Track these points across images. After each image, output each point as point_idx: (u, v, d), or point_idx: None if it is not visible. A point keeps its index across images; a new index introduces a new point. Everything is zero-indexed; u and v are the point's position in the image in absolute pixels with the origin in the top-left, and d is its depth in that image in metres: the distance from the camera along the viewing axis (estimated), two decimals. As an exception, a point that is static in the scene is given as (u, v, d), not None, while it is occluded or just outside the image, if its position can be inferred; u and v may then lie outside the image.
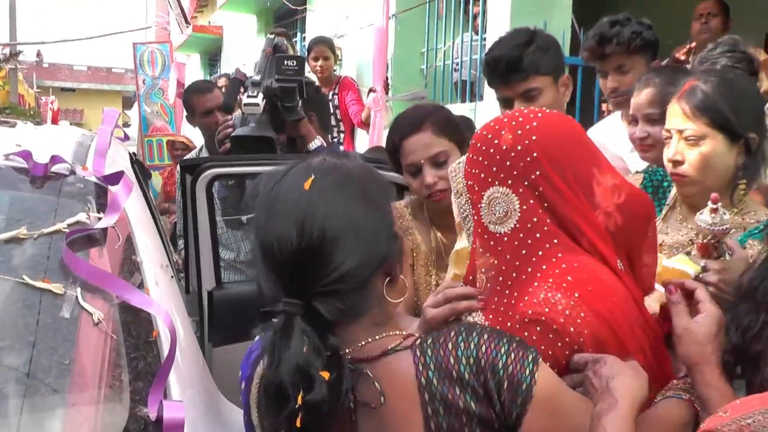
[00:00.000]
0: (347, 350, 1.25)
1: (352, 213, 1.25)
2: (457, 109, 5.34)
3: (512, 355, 1.22)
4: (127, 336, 1.44)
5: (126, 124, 32.83)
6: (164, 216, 6.33)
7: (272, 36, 3.39)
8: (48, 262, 1.51)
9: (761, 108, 1.95)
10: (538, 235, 1.44)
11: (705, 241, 1.65)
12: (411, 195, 2.38)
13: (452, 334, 1.25)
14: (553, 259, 1.42)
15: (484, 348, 1.22)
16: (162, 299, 1.59)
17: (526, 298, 1.41)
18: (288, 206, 1.25)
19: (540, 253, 1.43)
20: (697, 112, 1.85)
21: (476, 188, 1.51)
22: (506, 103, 2.55)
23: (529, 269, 1.44)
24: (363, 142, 5.90)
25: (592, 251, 1.45)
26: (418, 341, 1.26)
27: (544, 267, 1.43)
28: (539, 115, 1.51)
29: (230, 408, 1.71)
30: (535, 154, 1.45)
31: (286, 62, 3.19)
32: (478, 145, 1.53)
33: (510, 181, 1.46)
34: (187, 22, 13.70)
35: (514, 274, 1.45)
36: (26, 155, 1.77)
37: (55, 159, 1.78)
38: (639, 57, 2.76)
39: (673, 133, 1.91)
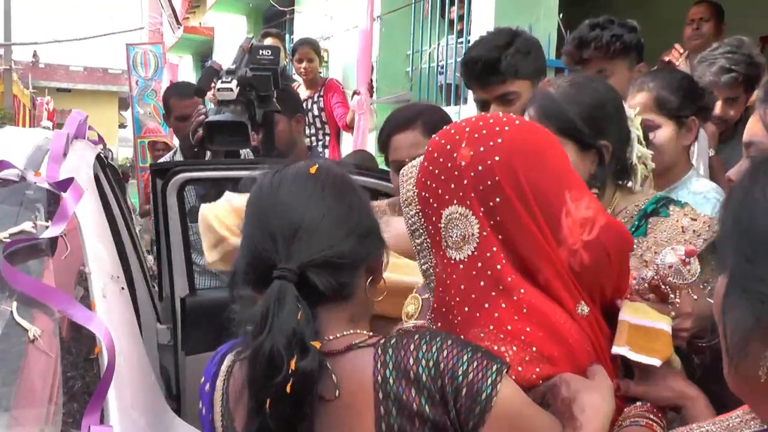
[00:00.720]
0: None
1: (349, 204, 1.32)
2: (444, 111, 5.29)
3: (474, 363, 1.17)
4: (66, 353, 1.37)
5: (122, 125, 32.92)
6: (145, 218, 6.29)
7: (250, 36, 3.38)
8: (-14, 274, 1.44)
9: (616, 114, 1.81)
10: (498, 267, 1.30)
11: (661, 286, 1.45)
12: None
13: (416, 336, 1.22)
14: (515, 297, 1.29)
15: (446, 353, 1.19)
16: (109, 313, 1.53)
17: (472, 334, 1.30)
18: (295, 186, 1.31)
19: (500, 287, 1.29)
20: (543, 119, 1.71)
21: (434, 204, 1.37)
22: (483, 105, 2.50)
23: (486, 305, 1.30)
24: (348, 145, 5.84)
25: (550, 293, 1.31)
26: (382, 341, 1.25)
27: (503, 305, 1.29)
28: (506, 128, 1.35)
29: (183, 428, 1.64)
30: (496, 178, 1.30)
31: (261, 52, 3.17)
32: (435, 155, 1.37)
33: (469, 202, 1.32)
34: (178, 23, 13.64)
35: (467, 309, 1.32)
36: (-27, 161, 1.71)
37: (2, 164, 1.71)
38: (620, 61, 2.67)
39: None
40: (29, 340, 1.33)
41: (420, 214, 1.42)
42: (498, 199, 1.30)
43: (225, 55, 11.82)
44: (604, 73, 2.62)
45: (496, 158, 1.31)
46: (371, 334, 1.29)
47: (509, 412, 1.17)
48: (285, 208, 1.29)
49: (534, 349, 1.27)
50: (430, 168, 1.39)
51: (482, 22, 4.80)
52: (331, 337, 1.25)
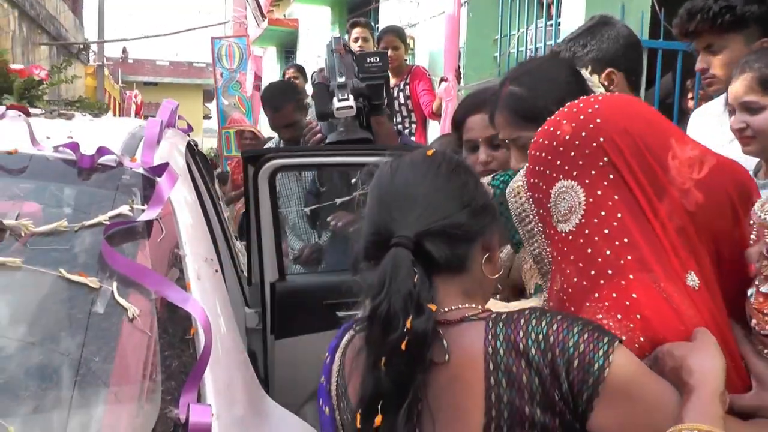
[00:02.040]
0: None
1: (464, 181, 1.36)
2: (531, 97, 5.18)
3: (585, 335, 1.17)
4: (163, 333, 1.39)
5: (207, 117, 33.73)
6: (231, 205, 6.41)
7: (337, 36, 3.33)
8: (87, 255, 1.48)
9: (577, 84, 1.83)
10: (606, 231, 1.28)
11: None
12: None
13: (527, 312, 1.24)
14: (621, 262, 1.26)
15: (555, 326, 1.19)
16: (204, 294, 1.54)
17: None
18: (414, 167, 1.37)
19: (607, 252, 1.27)
20: (520, 121, 1.76)
21: (543, 186, 1.38)
22: None
23: (593, 272, 1.28)
24: (435, 133, 5.79)
25: (654, 259, 1.27)
26: (494, 315, 1.26)
27: (610, 272, 1.27)
28: (599, 98, 1.40)
29: (274, 410, 1.65)
30: (601, 139, 1.31)
31: (369, 59, 3.13)
32: (540, 140, 1.40)
33: (575, 173, 1.33)
34: (263, 15, 13.82)
35: (575, 279, 1.31)
36: (74, 147, 1.75)
37: (102, 150, 1.76)
38: (733, 35, 2.43)
39: (509, 144, 1.82)
40: (128, 319, 1.36)
41: (530, 200, 1.43)
42: (606, 159, 1.31)
43: (309, 47, 11.95)
44: (712, 48, 2.46)
45: (597, 120, 1.34)
46: (482, 308, 1.31)
47: (624, 382, 1.15)
48: (402, 184, 1.34)
49: (636, 320, 1.24)
50: (537, 154, 1.41)
51: (573, 3, 4.67)
52: (446, 309, 1.28)
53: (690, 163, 1.31)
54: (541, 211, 1.40)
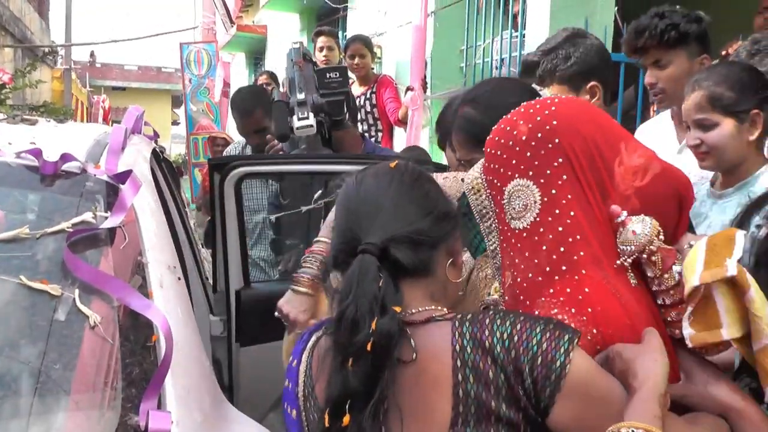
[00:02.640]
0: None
1: (426, 190, 1.43)
2: (497, 107, 5.23)
3: (547, 334, 1.23)
4: (125, 340, 1.39)
5: (175, 122, 33.45)
6: (199, 211, 6.39)
7: (297, 45, 3.31)
8: (49, 262, 1.48)
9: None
10: (560, 229, 1.35)
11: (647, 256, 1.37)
12: None
13: (491, 313, 1.30)
14: (575, 258, 1.33)
15: (519, 326, 1.25)
16: (166, 302, 1.55)
17: (536, 312, 1.33)
18: (379, 177, 1.43)
19: (562, 249, 1.34)
20: (474, 144, 1.77)
21: (498, 183, 1.44)
22: None
23: (547, 268, 1.35)
24: (401, 140, 5.83)
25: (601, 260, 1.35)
26: (460, 315, 1.31)
27: (564, 268, 1.34)
28: (556, 100, 1.46)
29: (236, 417, 1.65)
30: (557, 140, 1.38)
31: (328, 75, 3.14)
32: (497, 138, 1.46)
33: (531, 172, 1.39)
34: (231, 21, 13.80)
35: (530, 274, 1.37)
36: (37, 153, 1.74)
37: (65, 157, 1.75)
38: (679, 51, 2.57)
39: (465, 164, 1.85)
40: (90, 326, 1.36)
41: (489, 197, 1.48)
42: (561, 160, 1.37)
43: (278, 53, 11.93)
44: (660, 63, 2.57)
45: (554, 122, 1.39)
46: (447, 310, 1.36)
47: (583, 378, 1.22)
48: (368, 195, 1.40)
49: (587, 314, 1.31)
50: (493, 152, 1.46)
51: (538, 15, 4.74)
52: (412, 311, 1.32)
53: (634, 171, 1.37)
54: (496, 209, 1.46)
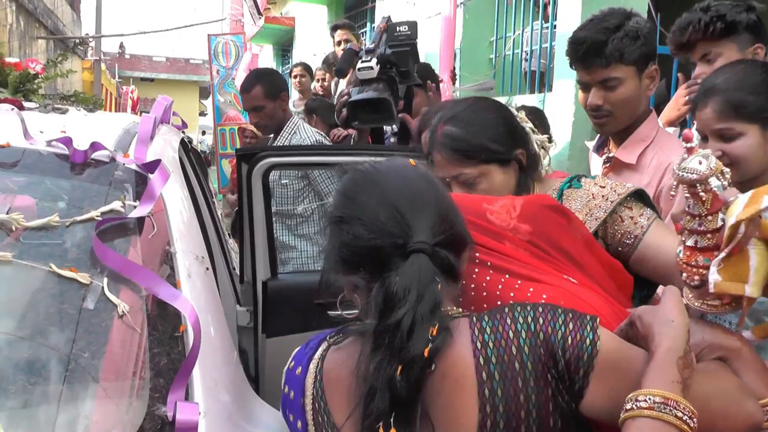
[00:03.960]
0: None
1: (448, 194, 1.39)
2: (526, 99, 5.19)
3: (569, 314, 1.22)
4: (152, 330, 1.38)
5: (202, 114, 33.69)
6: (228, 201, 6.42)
7: (387, 16, 3.36)
8: (78, 250, 1.48)
9: (512, 120, 1.91)
10: (500, 287, 1.44)
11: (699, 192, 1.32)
12: None
13: (506, 306, 1.28)
14: (516, 286, 1.43)
15: (540, 309, 1.24)
16: (194, 292, 1.54)
17: None
18: (410, 173, 1.37)
19: (512, 294, 1.42)
20: (459, 159, 1.82)
21: None
22: (585, 87, 2.42)
23: (499, 303, 1.40)
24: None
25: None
26: (476, 313, 1.29)
27: (512, 294, 1.42)
28: None
29: (262, 408, 1.64)
30: None
31: (398, 28, 3.19)
32: None
33: None
34: (259, 13, 13.81)
35: (472, 308, 1.40)
36: (67, 141, 1.75)
37: (95, 146, 1.75)
38: (728, 42, 2.44)
39: (451, 182, 1.84)
40: (118, 315, 1.35)
41: None
42: None
43: (306, 45, 11.94)
44: (708, 57, 2.46)
45: None
46: (462, 310, 1.33)
47: (613, 355, 1.20)
48: (406, 188, 1.32)
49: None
50: None
51: (569, 5, 4.68)
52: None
53: (506, 210, 1.51)
54: None
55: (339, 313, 1.40)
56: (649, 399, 1.12)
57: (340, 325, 1.39)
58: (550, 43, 5.13)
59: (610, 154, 2.49)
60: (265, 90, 4.01)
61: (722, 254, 1.27)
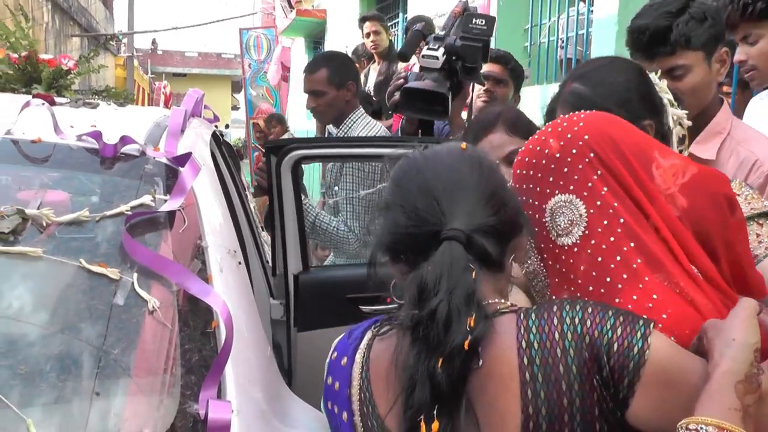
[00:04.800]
0: None
1: (500, 180, 1.33)
2: (561, 88, 5.08)
3: (621, 318, 1.15)
4: (183, 326, 1.36)
5: (235, 108, 33.90)
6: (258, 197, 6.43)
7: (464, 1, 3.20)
8: (108, 245, 1.46)
9: (646, 89, 1.78)
10: (612, 239, 1.31)
11: None
12: None
13: (557, 302, 1.22)
14: (634, 266, 1.29)
15: (590, 309, 1.18)
16: (226, 287, 1.51)
17: None
18: (454, 156, 1.32)
19: (618, 258, 1.30)
20: None
21: (535, 203, 1.40)
22: None
23: (608, 279, 1.30)
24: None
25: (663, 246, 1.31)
26: (524, 308, 1.24)
27: (625, 276, 1.29)
28: (581, 115, 1.45)
29: (297, 405, 1.61)
30: (591, 154, 1.37)
31: (474, 20, 3.00)
32: (527, 159, 1.44)
33: (572, 187, 1.37)
34: (291, 6, 13.82)
35: (591, 288, 1.31)
36: (97, 135, 1.73)
37: (125, 139, 1.74)
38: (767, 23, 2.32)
39: None
40: (148, 311, 1.33)
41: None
42: (600, 172, 1.35)
43: (338, 37, 11.91)
44: (749, 39, 2.35)
45: (585, 137, 1.38)
46: (510, 303, 1.28)
47: (663, 365, 1.12)
48: (448, 174, 1.28)
49: (661, 324, 1.23)
50: (524, 172, 1.44)
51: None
52: (484, 303, 1.22)
53: (674, 171, 1.37)
54: (535, 227, 1.41)
55: (371, 308, 1.37)
56: (702, 428, 1.03)
57: (372, 317, 1.36)
58: (587, 29, 5.03)
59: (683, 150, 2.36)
60: (329, 75, 3.68)
61: None
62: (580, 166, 1.36)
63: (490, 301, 1.24)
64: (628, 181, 1.35)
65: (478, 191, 1.26)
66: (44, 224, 1.45)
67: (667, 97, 1.82)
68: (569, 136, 1.39)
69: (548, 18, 5.63)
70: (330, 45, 12.50)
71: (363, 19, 6.08)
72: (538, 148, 1.43)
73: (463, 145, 1.35)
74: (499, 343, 1.18)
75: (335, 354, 1.35)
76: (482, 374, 1.17)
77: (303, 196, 3.44)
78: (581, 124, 1.41)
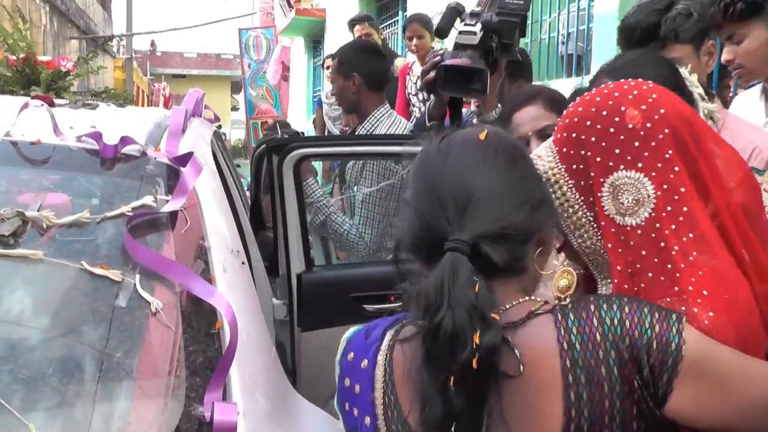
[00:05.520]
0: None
1: (521, 172, 1.24)
2: (563, 83, 5.08)
3: (656, 315, 1.14)
4: (187, 327, 1.34)
5: (235, 108, 33.87)
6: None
7: None
8: (109, 247, 1.44)
9: (677, 84, 1.74)
10: (673, 227, 1.25)
11: None
12: None
13: (592, 299, 1.19)
14: (690, 257, 1.24)
15: (627, 309, 1.15)
16: (230, 287, 1.50)
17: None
18: (466, 152, 1.24)
19: (676, 248, 1.24)
20: None
21: (593, 174, 1.30)
22: None
23: (669, 266, 1.25)
24: (462, 121, 5.71)
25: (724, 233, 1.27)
26: (560, 306, 1.20)
27: (683, 266, 1.24)
28: (650, 85, 1.33)
29: (302, 406, 1.60)
30: (666, 130, 1.27)
31: None
32: (588, 123, 1.31)
33: (641, 164, 1.27)
34: (290, 6, 13.81)
35: (650, 274, 1.26)
36: (97, 136, 1.72)
37: (125, 140, 1.72)
38: (752, 22, 2.37)
39: None
40: (151, 312, 1.32)
41: (572, 189, 1.34)
42: (671, 152, 1.27)
43: (337, 36, 11.89)
44: (734, 38, 2.39)
45: (662, 110, 1.28)
46: (541, 299, 1.22)
47: (699, 357, 1.12)
48: (455, 175, 1.21)
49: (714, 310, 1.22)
50: (581, 137, 1.32)
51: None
52: (507, 306, 1.18)
53: (731, 164, 1.32)
54: (591, 199, 1.32)
55: (376, 306, 1.33)
56: None
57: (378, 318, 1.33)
58: (587, 24, 5.02)
59: None
60: (337, 64, 3.70)
61: None
62: (653, 143, 1.27)
63: (514, 303, 1.20)
64: (699, 164, 1.28)
65: (487, 192, 1.19)
66: (45, 226, 1.44)
67: (697, 91, 1.80)
68: (644, 107, 1.29)
69: (549, 14, 5.61)
70: (329, 44, 12.48)
71: (352, 23, 6.06)
72: (605, 113, 1.31)
73: (482, 134, 1.25)
74: (539, 346, 1.15)
75: (352, 354, 1.30)
76: (522, 381, 1.14)
77: (321, 194, 3.43)
78: (655, 95, 1.31)
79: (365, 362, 1.26)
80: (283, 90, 12.10)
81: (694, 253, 1.24)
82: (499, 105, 2.91)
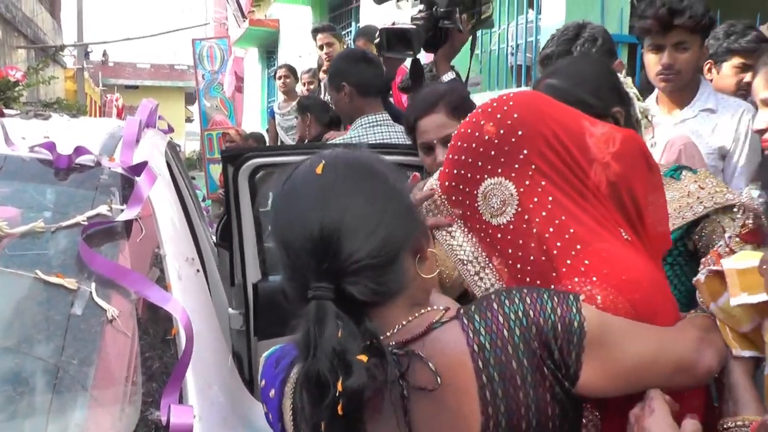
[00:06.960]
0: (388, 334, 1.17)
1: (370, 193, 1.20)
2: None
3: (555, 299, 1.20)
4: (143, 334, 1.36)
5: (189, 120, 33.56)
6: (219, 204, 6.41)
7: None
8: (65, 256, 1.45)
9: (615, 81, 1.89)
10: (544, 214, 1.36)
11: (752, 224, 1.41)
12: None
13: (493, 296, 1.22)
14: (566, 236, 1.34)
15: (528, 299, 1.20)
16: (185, 294, 1.52)
17: (552, 286, 1.31)
18: (305, 194, 1.20)
19: (551, 229, 1.35)
20: None
21: (466, 189, 1.45)
22: None
23: (544, 247, 1.35)
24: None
25: (597, 216, 1.37)
26: (462, 310, 1.21)
27: (559, 244, 1.34)
28: (511, 95, 1.47)
29: (258, 410, 1.61)
30: (519, 132, 1.39)
31: None
32: (460, 144, 1.46)
33: (500, 170, 1.41)
34: (243, 16, 13.78)
35: (532, 257, 1.36)
36: (51, 146, 1.72)
37: (79, 150, 1.73)
38: (699, 37, 2.56)
39: None
40: (107, 320, 1.33)
41: (445, 203, 1.50)
42: (526, 151, 1.38)
43: (290, 47, 11.91)
44: (683, 46, 2.53)
45: (515, 115, 1.40)
46: (441, 308, 1.22)
47: (597, 330, 1.19)
48: (301, 220, 1.17)
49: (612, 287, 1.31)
50: (458, 158, 1.46)
51: (553, 0, 4.67)
52: (404, 323, 1.18)
53: (605, 139, 1.40)
54: (467, 213, 1.45)
55: None
56: None
57: None
58: (536, 36, 5.13)
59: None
60: (328, 78, 3.73)
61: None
62: (506, 148, 1.39)
63: (411, 319, 1.19)
64: (560, 155, 1.38)
65: (338, 226, 1.15)
66: (-2, 237, 1.44)
67: (632, 91, 1.92)
68: (499, 116, 1.41)
69: (498, 26, 5.71)
70: (283, 55, 12.49)
71: (315, 31, 6.09)
72: (470, 131, 1.44)
73: (318, 168, 1.21)
74: (450, 352, 1.16)
75: (263, 382, 1.30)
76: (440, 391, 1.14)
77: None
78: (510, 103, 1.42)
79: (272, 392, 1.26)
80: (237, 101, 12.05)
81: (571, 230, 1.34)
82: (453, 69, 3.20)
